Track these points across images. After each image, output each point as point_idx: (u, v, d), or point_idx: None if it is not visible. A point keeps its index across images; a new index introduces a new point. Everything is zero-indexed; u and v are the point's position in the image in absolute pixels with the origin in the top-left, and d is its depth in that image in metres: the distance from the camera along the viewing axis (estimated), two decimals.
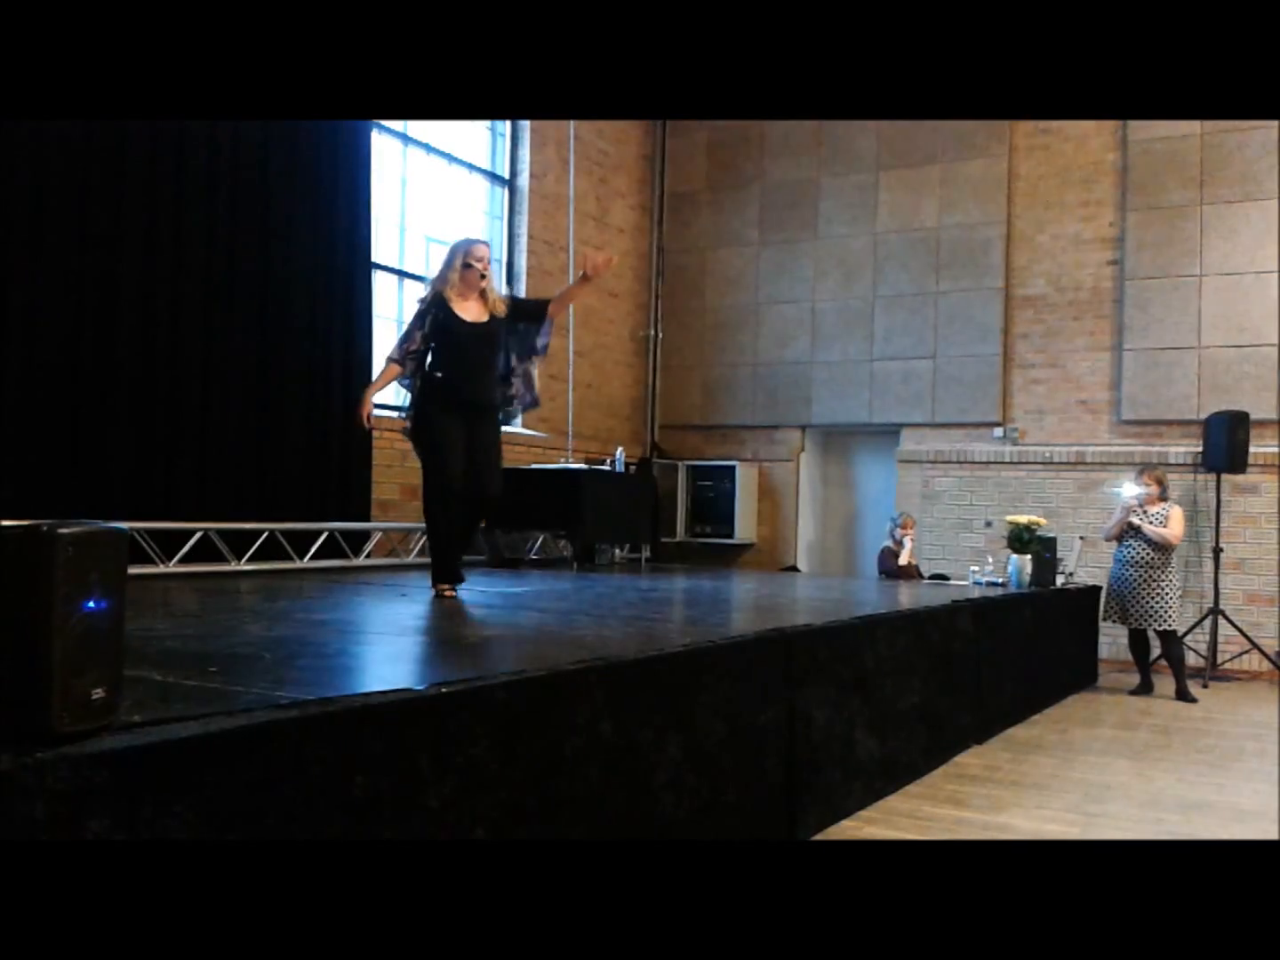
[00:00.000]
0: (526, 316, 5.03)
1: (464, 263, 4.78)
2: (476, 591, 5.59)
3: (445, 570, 4.84)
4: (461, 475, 4.72)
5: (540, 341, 5.06)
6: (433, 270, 5.38)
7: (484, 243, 4.95)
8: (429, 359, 4.85)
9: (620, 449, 8.98)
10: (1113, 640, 8.12)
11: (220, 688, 2.31)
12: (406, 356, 4.86)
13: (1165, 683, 7.13)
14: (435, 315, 4.80)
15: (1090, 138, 8.94)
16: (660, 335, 10.52)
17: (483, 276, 4.78)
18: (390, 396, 7.92)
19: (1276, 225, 8.17)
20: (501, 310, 4.87)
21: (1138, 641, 7.23)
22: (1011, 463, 9.14)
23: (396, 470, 7.64)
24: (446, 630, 3.97)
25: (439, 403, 4.78)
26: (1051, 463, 8.99)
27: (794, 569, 9.89)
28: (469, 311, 4.81)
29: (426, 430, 4.84)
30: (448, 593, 4.80)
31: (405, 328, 4.99)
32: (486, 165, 9.05)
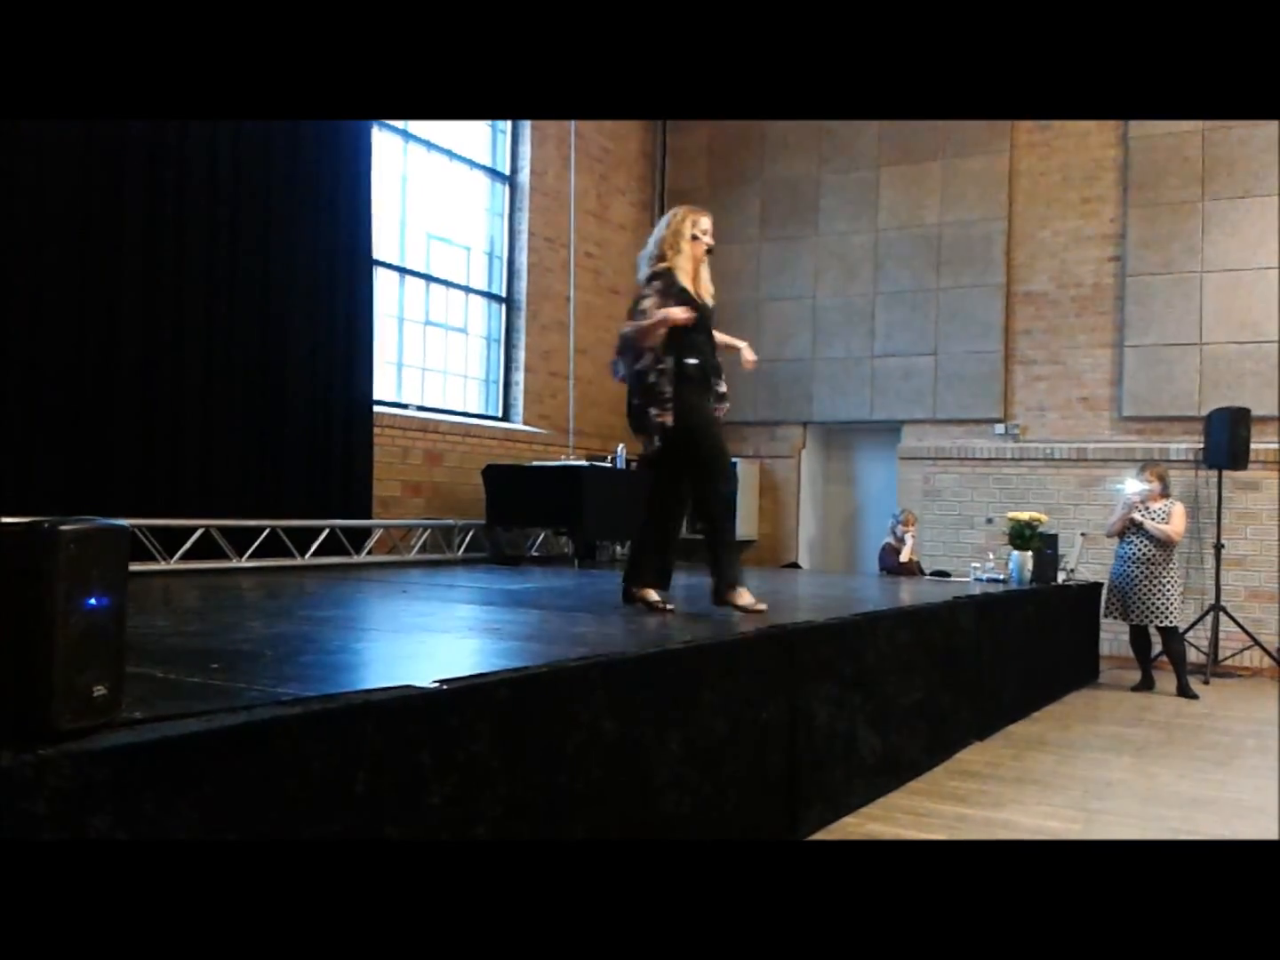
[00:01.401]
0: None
1: (692, 234, 4.32)
2: (478, 589, 5.60)
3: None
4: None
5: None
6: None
7: (707, 214, 4.43)
8: (681, 342, 4.23)
9: (621, 446, 8.97)
10: (1114, 637, 8.12)
11: (222, 685, 2.32)
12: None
13: (1166, 679, 7.13)
14: (681, 293, 4.24)
15: (1091, 134, 8.93)
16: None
17: (709, 251, 4.37)
18: (389, 393, 7.94)
19: (1278, 221, 8.16)
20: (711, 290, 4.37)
21: (1139, 638, 7.23)
22: (1013, 459, 9.14)
23: (398, 467, 7.65)
24: (448, 627, 3.98)
25: (700, 395, 4.27)
26: (1053, 459, 8.99)
27: (795, 566, 9.89)
28: (703, 290, 4.35)
29: (706, 425, 4.25)
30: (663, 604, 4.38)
31: (643, 304, 4.23)
32: (487, 162, 9.05)
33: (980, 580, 7.21)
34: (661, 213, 10.56)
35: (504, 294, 9.15)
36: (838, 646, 4.12)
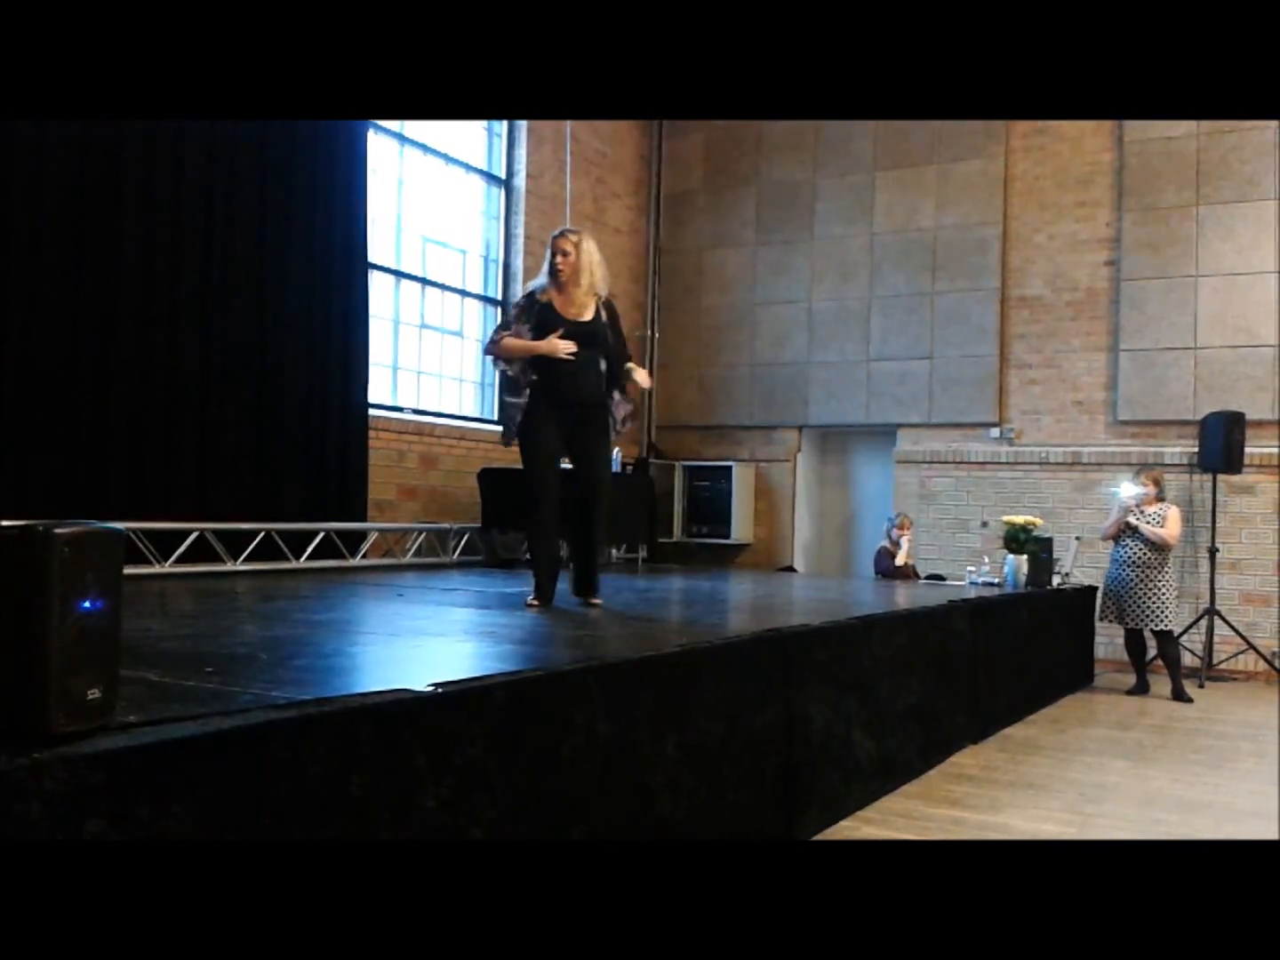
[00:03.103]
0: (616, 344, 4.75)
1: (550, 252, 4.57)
2: (474, 592, 5.59)
3: (537, 586, 4.69)
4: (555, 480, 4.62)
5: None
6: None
7: (565, 232, 4.63)
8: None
9: (617, 449, 8.97)
10: (1109, 640, 8.13)
11: (217, 688, 2.31)
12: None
13: (1161, 683, 7.14)
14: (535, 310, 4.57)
15: (1086, 138, 8.94)
16: (657, 335, 10.52)
17: (558, 271, 4.53)
18: (384, 396, 7.93)
19: (1274, 225, 8.18)
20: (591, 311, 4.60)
21: (1134, 641, 7.24)
22: (1008, 463, 9.15)
23: (393, 470, 7.63)
24: (443, 631, 3.97)
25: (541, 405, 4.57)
26: (1048, 463, 8.99)
27: (790, 569, 9.89)
28: (568, 308, 4.56)
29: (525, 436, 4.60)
30: (531, 602, 4.64)
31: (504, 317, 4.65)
32: (483, 165, 9.04)
33: (975, 584, 7.21)
34: (658, 215, 10.62)
35: (500, 297, 9.14)
36: (833, 650, 4.12)
